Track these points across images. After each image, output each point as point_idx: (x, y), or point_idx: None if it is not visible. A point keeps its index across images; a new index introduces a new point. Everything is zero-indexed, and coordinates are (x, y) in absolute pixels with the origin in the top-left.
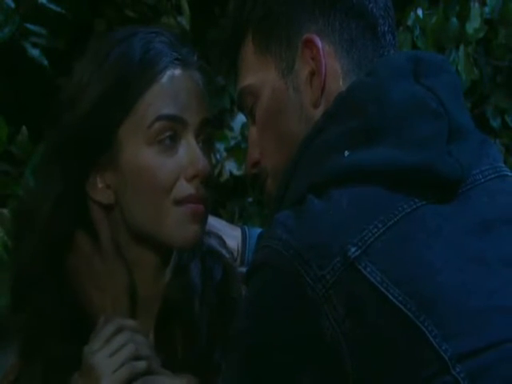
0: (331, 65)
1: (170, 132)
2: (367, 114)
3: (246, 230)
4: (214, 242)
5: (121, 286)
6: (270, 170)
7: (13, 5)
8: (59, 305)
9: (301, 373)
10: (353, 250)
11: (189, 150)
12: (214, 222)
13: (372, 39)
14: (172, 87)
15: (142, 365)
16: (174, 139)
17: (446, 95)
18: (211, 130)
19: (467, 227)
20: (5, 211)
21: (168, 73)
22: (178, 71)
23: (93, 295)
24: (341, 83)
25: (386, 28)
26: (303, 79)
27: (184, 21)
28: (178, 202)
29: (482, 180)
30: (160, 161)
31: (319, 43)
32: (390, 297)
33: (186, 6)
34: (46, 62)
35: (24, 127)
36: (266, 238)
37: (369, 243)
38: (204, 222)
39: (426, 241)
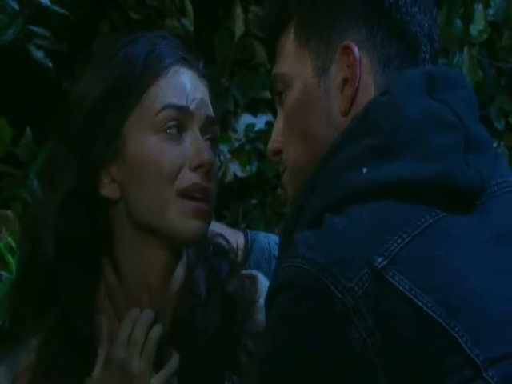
0: (365, 79)
1: (176, 122)
2: (383, 131)
3: (249, 234)
4: (220, 240)
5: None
6: (289, 164)
7: (17, 7)
8: (88, 315)
9: None
10: (379, 260)
11: (194, 141)
12: (216, 227)
13: (410, 62)
14: (178, 81)
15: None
16: (180, 130)
17: (462, 108)
18: (216, 129)
19: (487, 238)
20: (9, 213)
21: (174, 68)
22: (183, 69)
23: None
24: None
25: (428, 56)
26: (336, 84)
27: (188, 23)
28: (182, 193)
29: (498, 193)
30: (165, 147)
31: (357, 53)
32: (420, 304)
33: (189, 8)
34: (49, 64)
35: (28, 129)
36: (286, 258)
37: (395, 253)
38: (208, 219)
39: (450, 249)
